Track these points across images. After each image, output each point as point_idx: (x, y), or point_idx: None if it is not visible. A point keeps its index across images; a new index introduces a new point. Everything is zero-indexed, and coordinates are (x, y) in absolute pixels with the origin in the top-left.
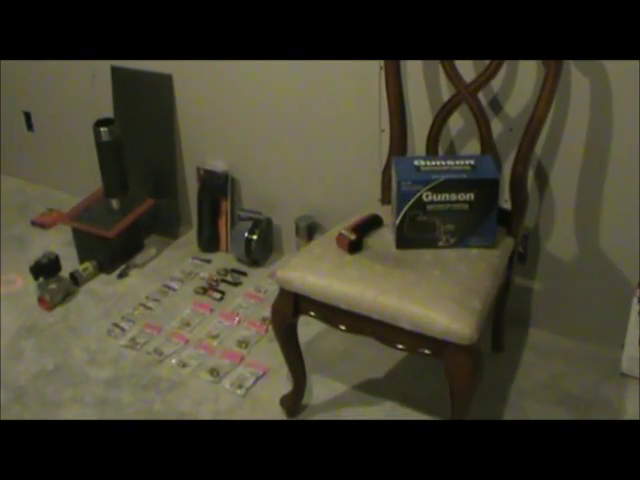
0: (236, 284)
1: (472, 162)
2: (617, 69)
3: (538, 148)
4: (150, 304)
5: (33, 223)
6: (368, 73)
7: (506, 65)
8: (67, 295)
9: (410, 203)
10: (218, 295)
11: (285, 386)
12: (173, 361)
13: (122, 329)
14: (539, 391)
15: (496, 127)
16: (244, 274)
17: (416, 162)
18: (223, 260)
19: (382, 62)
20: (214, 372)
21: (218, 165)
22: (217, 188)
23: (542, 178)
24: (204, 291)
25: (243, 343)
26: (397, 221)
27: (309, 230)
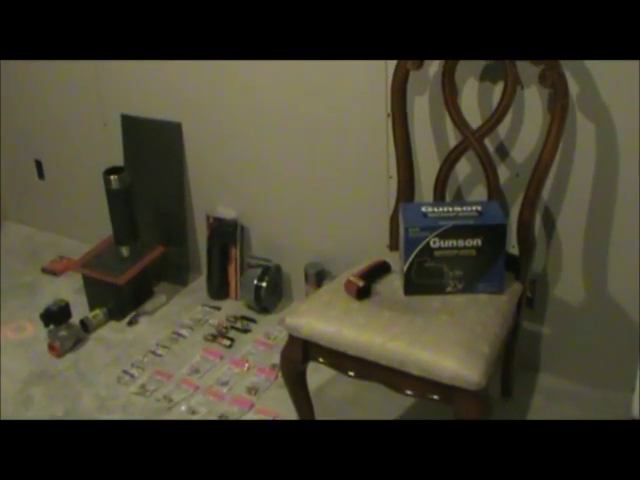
0: (245, 331)
1: (479, 208)
2: (623, 113)
3: (545, 193)
4: (160, 351)
5: (44, 270)
6: (375, 120)
7: (512, 111)
8: (77, 342)
9: (418, 249)
10: (228, 342)
11: None
12: (183, 408)
13: (132, 376)
14: None
15: (503, 173)
16: (253, 321)
17: (423, 208)
18: (233, 307)
19: (389, 109)
20: (224, 419)
21: (227, 212)
22: (226, 235)
23: (549, 223)
24: (214, 338)
25: (252, 390)
26: (405, 267)
27: (318, 277)
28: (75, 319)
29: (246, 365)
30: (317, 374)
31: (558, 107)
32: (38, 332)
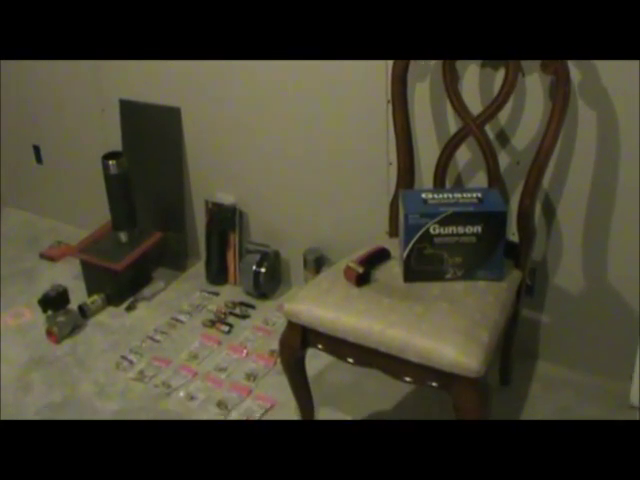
0: (244, 317)
1: (479, 195)
2: (624, 101)
3: (545, 181)
4: (158, 337)
5: (42, 256)
6: (376, 106)
7: (513, 98)
8: (75, 328)
9: (417, 236)
10: (226, 328)
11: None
12: (181, 394)
13: (130, 362)
14: None
15: (503, 160)
16: (252, 307)
17: (423, 195)
18: (231, 293)
19: (389, 95)
20: (222, 405)
21: (226, 198)
22: (225, 221)
23: (549, 211)
24: (212, 324)
25: (251, 376)
26: (405, 254)
27: (317, 263)
28: (73, 305)
29: (244, 351)
30: (316, 360)
31: (559, 94)
32: (36, 318)
